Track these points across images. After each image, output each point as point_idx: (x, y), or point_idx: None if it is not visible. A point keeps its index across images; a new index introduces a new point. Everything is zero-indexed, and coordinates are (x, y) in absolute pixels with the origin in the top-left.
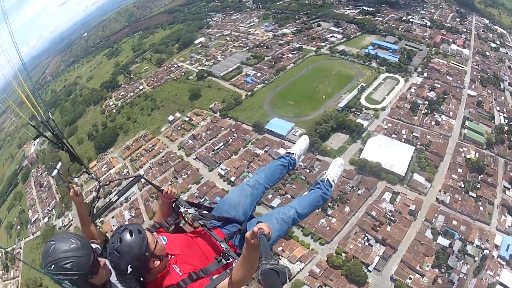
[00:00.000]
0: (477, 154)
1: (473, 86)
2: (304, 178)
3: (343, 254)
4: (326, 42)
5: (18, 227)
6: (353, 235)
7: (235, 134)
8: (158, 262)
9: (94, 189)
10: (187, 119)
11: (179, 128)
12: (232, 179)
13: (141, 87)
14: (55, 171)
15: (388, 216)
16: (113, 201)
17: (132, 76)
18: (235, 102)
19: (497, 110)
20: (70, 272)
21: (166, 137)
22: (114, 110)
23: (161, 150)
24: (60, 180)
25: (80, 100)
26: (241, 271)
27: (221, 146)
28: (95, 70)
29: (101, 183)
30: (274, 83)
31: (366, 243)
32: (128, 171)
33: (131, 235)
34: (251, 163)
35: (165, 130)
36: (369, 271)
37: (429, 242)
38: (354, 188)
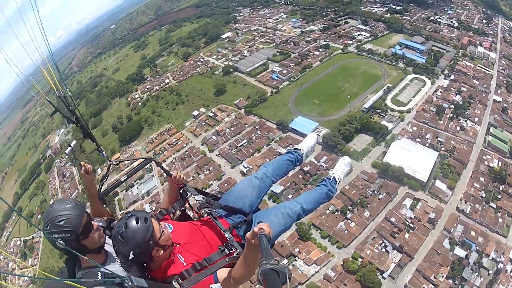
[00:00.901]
0: (500, 163)
1: (498, 92)
2: (322, 174)
3: (359, 259)
4: (353, 40)
5: (39, 216)
6: (371, 240)
7: (258, 132)
8: (162, 251)
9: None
10: (211, 114)
11: (203, 123)
12: None
13: (166, 80)
14: (69, 149)
15: (407, 223)
16: (122, 180)
17: (158, 69)
18: (260, 99)
19: None
20: (62, 229)
21: (190, 132)
22: (139, 103)
23: (184, 145)
24: (73, 157)
25: (106, 92)
26: (242, 270)
27: (244, 143)
28: (121, 63)
29: (110, 161)
30: (300, 80)
31: (383, 250)
32: (150, 165)
33: (137, 222)
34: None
35: (189, 125)
36: (384, 278)
37: (446, 252)
38: (375, 192)
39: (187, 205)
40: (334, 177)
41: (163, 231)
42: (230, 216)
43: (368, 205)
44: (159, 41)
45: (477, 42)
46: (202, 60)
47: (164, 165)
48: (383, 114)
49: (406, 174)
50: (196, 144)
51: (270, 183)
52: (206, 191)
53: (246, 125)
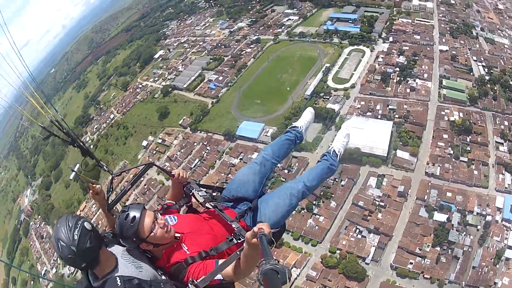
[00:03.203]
0: (461, 114)
1: (443, 40)
2: (284, 179)
3: (337, 252)
4: (283, 27)
5: (32, 282)
6: (344, 230)
7: (208, 147)
8: (152, 247)
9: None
10: (160, 140)
11: (154, 152)
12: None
13: (112, 116)
14: (73, 174)
15: (377, 203)
16: (127, 189)
17: (102, 106)
18: (203, 112)
19: (474, 61)
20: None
21: (144, 164)
22: (92, 146)
23: (142, 179)
24: (79, 180)
25: (59, 141)
26: (241, 267)
27: (197, 162)
28: (67, 107)
29: (113, 174)
30: (238, 83)
31: (359, 236)
32: (116, 208)
33: (125, 219)
34: (229, 175)
35: (141, 156)
36: (367, 263)
37: (425, 221)
38: (337, 180)
39: (193, 200)
40: (334, 151)
41: (152, 230)
42: (236, 205)
43: (333, 195)
44: (97, 76)
45: None
46: (140, 86)
47: (128, 203)
48: (327, 97)
49: (364, 153)
50: (152, 176)
51: (271, 165)
52: (210, 184)
53: (195, 144)
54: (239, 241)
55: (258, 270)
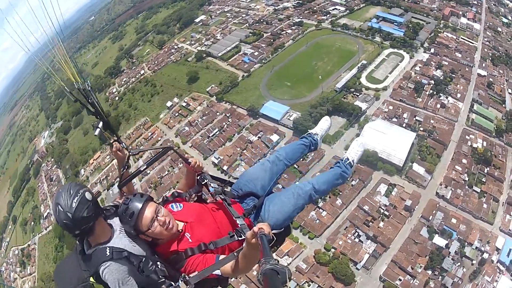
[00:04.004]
0: (484, 143)
1: (483, 65)
2: (296, 167)
3: (331, 251)
4: (328, 15)
5: (32, 223)
6: (343, 230)
7: (230, 119)
8: (150, 239)
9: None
10: (184, 104)
11: (177, 114)
12: (225, 168)
13: (142, 71)
14: (98, 130)
15: (382, 211)
16: (141, 169)
17: (134, 60)
18: (232, 84)
19: (509, 93)
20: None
21: (165, 124)
22: (117, 98)
23: (159, 138)
24: (102, 137)
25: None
26: (240, 265)
27: (216, 132)
28: (100, 56)
29: (130, 153)
30: (272, 62)
31: (356, 239)
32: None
33: (123, 211)
34: (244, 151)
35: (163, 116)
36: (357, 269)
37: (424, 241)
38: (348, 178)
39: (204, 190)
40: (347, 158)
41: (151, 228)
42: (244, 200)
43: (340, 193)
44: (135, 30)
45: (460, 13)
46: (176, 47)
47: (140, 161)
48: (357, 94)
49: (381, 158)
50: (170, 137)
51: (283, 166)
52: (222, 177)
53: (218, 113)
54: (240, 238)
55: (258, 270)
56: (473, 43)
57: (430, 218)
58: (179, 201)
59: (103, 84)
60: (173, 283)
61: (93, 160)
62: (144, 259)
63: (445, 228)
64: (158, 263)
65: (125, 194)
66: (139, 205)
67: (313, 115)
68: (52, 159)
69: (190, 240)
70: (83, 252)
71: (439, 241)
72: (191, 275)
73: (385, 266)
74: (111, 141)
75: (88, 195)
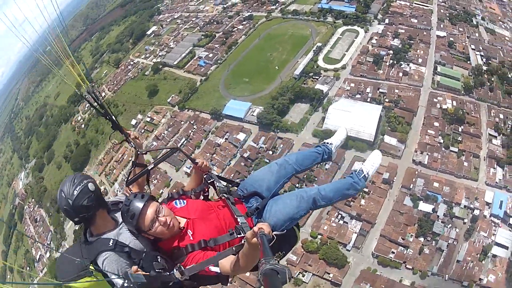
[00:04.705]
0: (454, 103)
1: (441, 26)
2: (268, 161)
3: (318, 237)
4: (277, 4)
5: (28, 268)
6: (326, 215)
7: (194, 126)
8: (152, 237)
9: None
10: (148, 119)
11: (143, 130)
12: None
13: (103, 94)
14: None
15: None
16: (149, 169)
17: (93, 84)
18: (191, 90)
19: (472, 49)
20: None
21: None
22: (83, 125)
23: (130, 158)
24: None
25: (52, 121)
26: (240, 264)
27: (183, 142)
28: (60, 86)
29: (139, 152)
30: (227, 61)
31: (341, 222)
32: (105, 188)
33: (125, 212)
34: (214, 155)
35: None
36: (348, 250)
37: (409, 210)
38: (321, 163)
39: (210, 189)
40: (362, 170)
41: (152, 228)
42: (249, 200)
43: (316, 179)
44: (91, 53)
45: None
46: (132, 63)
47: (116, 184)
48: (316, 77)
49: (350, 136)
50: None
51: (291, 170)
52: (230, 178)
53: (182, 122)
54: (239, 236)
55: (259, 269)
56: (428, 6)
57: (411, 187)
58: (184, 198)
59: (67, 114)
60: (168, 272)
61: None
62: (144, 255)
63: (428, 193)
64: (158, 257)
65: (132, 192)
66: (140, 206)
67: (275, 107)
68: (33, 200)
69: (191, 237)
70: (85, 240)
71: (425, 207)
72: (187, 267)
73: (375, 242)
74: (124, 139)
75: (91, 186)
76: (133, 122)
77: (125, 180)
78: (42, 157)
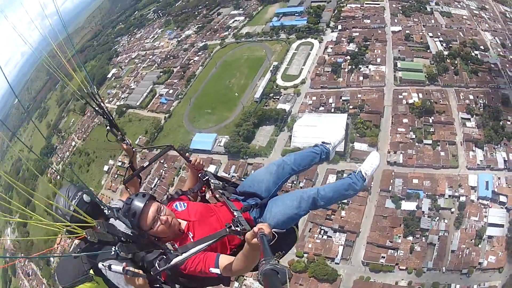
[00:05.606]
0: (420, 95)
1: (395, 21)
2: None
3: (304, 255)
4: (229, 29)
5: None
6: (308, 232)
7: (165, 165)
8: (153, 238)
9: None
10: (119, 164)
11: (116, 176)
12: None
13: (73, 143)
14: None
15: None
16: (144, 166)
17: (63, 134)
18: (157, 129)
19: (431, 37)
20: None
21: (108, 189)
22: (58, 177)
23: (108, 203)
24: (114, 137)
25: (28, 175)
26: (240, 264)
27: (156, 182)
28: (32, 138)
29: (134, 150)
30: (188, 94)
31: (325, 237)
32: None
33: (126, 211)
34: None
35: (105, 182)
36: (337, 263)
37: (392, 212)
38: (295, 182)
39: (206, 189)
40: (360, 171)
41: (153, 228)
42: (246, 200)
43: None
44: (57, 102)
45: None
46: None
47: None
48: (277, 97)
49: None
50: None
51: (290, 171)
52: (226, 178)
53: (153, 163)
54: (236, 228)
55: (259, 269)
56: (379, 4)
57: (390, 188)
58: (183, 199)
59: (42, 167)
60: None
61: (57, 244)
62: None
63: (409, 192)
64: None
65: (129, 190)
66: (141, 205)
67: (240, 134)
68: (22, 254)
69: (192, 240)
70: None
71: (408, 205)
72: (177, 258)
73: (363, 250)
74: (118, 138)
75: (85, 197)
76: (106, 168)
77: (122, 179)
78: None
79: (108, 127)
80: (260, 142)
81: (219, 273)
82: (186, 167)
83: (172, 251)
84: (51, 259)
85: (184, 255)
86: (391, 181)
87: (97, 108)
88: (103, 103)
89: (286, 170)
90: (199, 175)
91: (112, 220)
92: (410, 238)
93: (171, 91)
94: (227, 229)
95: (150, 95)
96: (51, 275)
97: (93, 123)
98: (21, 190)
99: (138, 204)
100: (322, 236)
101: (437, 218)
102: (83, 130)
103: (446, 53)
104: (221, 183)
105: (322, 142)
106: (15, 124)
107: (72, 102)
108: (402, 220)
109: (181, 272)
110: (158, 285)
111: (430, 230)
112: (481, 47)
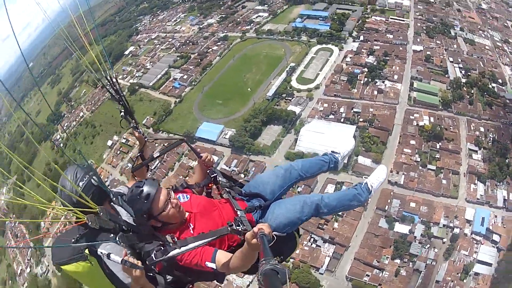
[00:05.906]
0: (432, 119)
1: (418, 40)
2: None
3: (290, 261)
4: (252, 24)
5: (10, 281)
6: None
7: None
8: (160, 224)
9: None
10: (124, 140)
11: (118, 152)
12: None
13: (81, 113)
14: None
15: None
16: (155, 157)
17: (72, 103)
18: (166, 112)
19: (451, 62)
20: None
21: (109, 164)
22: (61, 144)
23: (106, 179)
24: (126, 122)
25: (31, 140)
26: (237, 263)
27: (157, 164)
28: (42, 103)
29: (146, 139)
30: (202, 82)
31: (314, 245)
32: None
33: (138, 194)
34: (186, 178)
35: (106, 156)
36: (321, 274)
37: (385, 232)
38: (293, 187)
39: (212, 185)
40: (366, 183)
41: (165, 209)
42: (250, 200)
43: None
44: (71, 72)
45: None
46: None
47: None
48: (289, 98)
49: None
50: (116, 176)
51: (297, 176)
52: (233, 177)
53: (156, 145)
54: (237, 227)
55: (259, 269)
56: (404, 21)
57: (386, 208)
58: (187, 192)
59: (47, 132)
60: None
61: (50, 211)
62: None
63: (404, 214)
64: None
65: (136, 178)
66: (155, 188)
67: (248, 129)
68: (14, 215)
69: (192, 231)
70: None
71: (401, 228)
72: (174, 251)
73: (349, 265)
74: (131, 126)
75: (94, 180)
76: (109, 143)
77: (131, 167)
78: (22, 174)
79: (122, 114)
80: (265, 140)
81: (215, 268)
82: (198, 161)
83: (171, 244)
84: (42, 223)
85: (183, 248)
86: (389, 200)
87: (114, 94)
88: (121, 91)
89: (293, 175)
90: (208, 171)
91: (115, 207)
92: (398, 261)
93: (185, 77)
94: (228, 228)
95: (164, 77)
96: (39, 240)
97: (104, 96)
98: (18, 163)
99: (151, 187)
100: (311, 244)
101: (428, 245)
102: (93, 102)
103: (464, 80)
104: (228, 182)
105: (331, 151)
106: (26, 86)
107: (86, 73)
108: (393, 241)
109: (176, 264)
110: (151, 274)
111: (418, 257)
112: (499, 80)
